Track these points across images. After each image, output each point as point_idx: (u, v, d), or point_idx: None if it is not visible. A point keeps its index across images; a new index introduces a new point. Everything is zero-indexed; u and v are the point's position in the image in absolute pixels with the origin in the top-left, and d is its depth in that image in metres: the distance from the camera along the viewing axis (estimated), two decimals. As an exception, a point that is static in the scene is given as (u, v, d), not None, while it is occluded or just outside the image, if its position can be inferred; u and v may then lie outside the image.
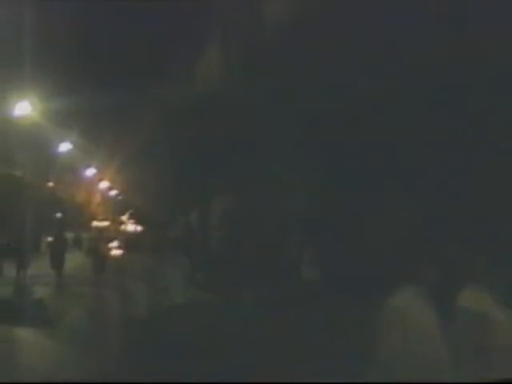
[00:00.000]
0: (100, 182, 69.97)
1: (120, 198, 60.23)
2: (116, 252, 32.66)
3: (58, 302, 18.27)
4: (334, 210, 17.91)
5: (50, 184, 53.46)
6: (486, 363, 5.55)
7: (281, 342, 11.61)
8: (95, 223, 56.20)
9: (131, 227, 50.80)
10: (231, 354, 11.06)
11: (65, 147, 55.35)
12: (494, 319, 5.51)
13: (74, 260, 24.80)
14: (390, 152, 16.14)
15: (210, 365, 10.20)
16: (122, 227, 56.63)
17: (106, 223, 58.34)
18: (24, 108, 30.38)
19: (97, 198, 73.36)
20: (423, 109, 15.38)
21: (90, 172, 67.50)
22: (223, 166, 20.72)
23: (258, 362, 10.50)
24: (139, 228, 43.96)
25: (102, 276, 22.40)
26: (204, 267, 22.36)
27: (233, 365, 10.22)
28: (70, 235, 29.18)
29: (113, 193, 68.22)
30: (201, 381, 8.73)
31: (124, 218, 58.94)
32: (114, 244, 33.84)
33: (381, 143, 16.24)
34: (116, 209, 65.01)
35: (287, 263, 19.10)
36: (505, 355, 5.42)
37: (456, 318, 5.71)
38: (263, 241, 20.05)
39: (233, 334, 12.74)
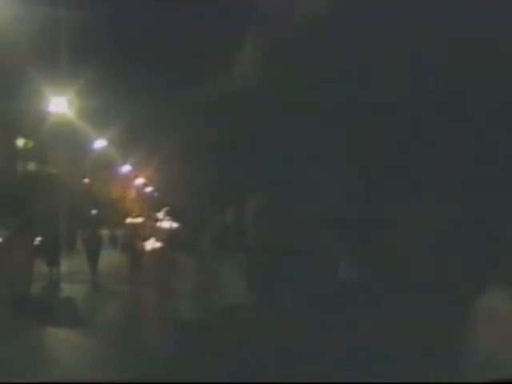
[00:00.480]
0: (135, 178, 70.36)
1: (155, 195, 60.43)
2: (152, 249, 32.64)
3: (92, 300, 18.16)
4: (371, 208, 17.73)
5: (85, 181, 53.79)
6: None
7: (317, 342, 11.42)
8: (130, 220, 56.44)
9: (167, 224, 50.91)
10: (268, 353, 10.91)
11: (100, 144, 55.71)
12: None
13: (109, 257, 24.75)
14: (428, 148, 15.95)
15: (246, 364, 10.06)
16: (158, 224, 56.79)
17: (141, 220, 58.59)
18: (60, 104, 30.46)
19: (132, 195, 73.73)
20: (456, 107, 15.24)
21: (126, 169, 67.92)
22: (259, 164, 20.57)
23: (294, 362, 10.34)
24: (175, 225, 43.94)
25: (138, 274, 22.26)
26: (240, 266, 22.20)
27: (269, 364, 10.08)
28: (105, 232, 29.20)
29: (148, 190, 68.53)
30: (236, 381, 8.58)
31: (159, 215, 59.13)
32: (150, 241, 33.83)
33: (417, 138, 16.07)
34: (151, 206, 65.29)
35: (323, 262, 18.92)
36: None
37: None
38: (299, 239, 19.88)
39: (269, 334, 12.55)
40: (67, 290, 17.96)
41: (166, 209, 48.26)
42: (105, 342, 12.30)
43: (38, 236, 20.47)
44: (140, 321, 15.23)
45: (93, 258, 21.02)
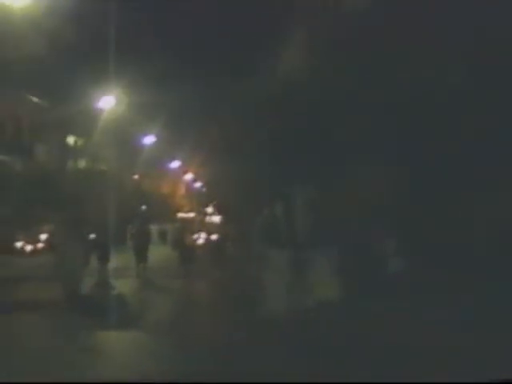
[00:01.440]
0: (185, 174, 70.78)
1: (204, 189, 60.74)
2: (201, 243, 32.77)
3: (142, 295, 18.14)
4: (420, 200, 17.55)
5: (135, 177, 54.29)
6: None
7: (368, 335, 11.28)
8: (180, 215, 56.84)
9: (216, 219, 51.10)
10: (321, 346, 10.81)
11: (149, 140, 56.15)
12: None
13: (159, 252, 24.83)
14: (479, 137, 15.73)
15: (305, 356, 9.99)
16: (207, 219, 57.08)
17: (190, 215, 58.96)
18: (109, 102, 30.77)
19: (181, 190, 74.27)
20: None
21: (175, 164, 68.35)
22: (307, 157, 20.48)
23: (346, 355, 10.24)
24: (224, 220, 44.07)
25: (188, 268, 22.22)
26: (289, 258, 22.12)
27: (325, 357, 9.98)
28: (154, 227, 29.36)
29: (197, 185, 68.92)
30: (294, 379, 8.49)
31: (209, 209, 59.42)
32: (200, 235, 33.97)
33: (470, 130, 15.85)
34: (201, 200, 65.62)
35: (372, 254, 18.77)
36: None
37: None
38: (348, 232, 19.78)
39: (321, 326, 12.40)
40: (115, 285, 17.92)
41: (214, 203, 48.48)
42: (161, 338, 12.14)
43: (89, 232, 20.59)
44: (190, 314, 15.06)
45: (141, 253, 21.04)
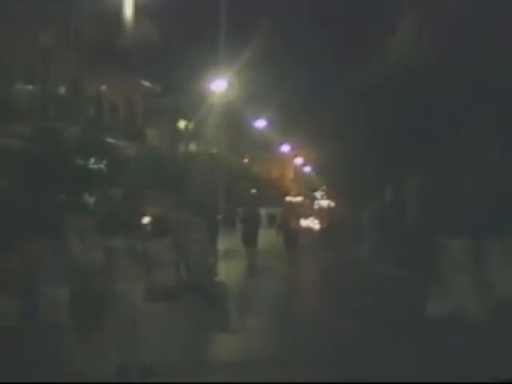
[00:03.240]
0: (295, 158, 70.93)
1: (314, 174, 60.61)
2: (309, 228, 32.63)
3: (249, 280, 18.12)
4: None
5: (245, 160, 54.80)
6: None
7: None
8: (288, 198, 56.99)
9: (325, 203, 50.92)
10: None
11: (260, 124, 56.48)
12: None
13: (267, 236, 24.81)
14: None
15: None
16: (316, 203, 57.03)
17: (298, 199, 59.05)
18: (221, 85, 31.13)
19: (290, 174, 74.49)
20: None
21: (285, 148, 68.59)
22: (418, 144, 20.06)
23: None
24: (332, 204, 43.84)
25: (294, 253, 22.08)
26: (398, 246, 21.78)
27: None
28: (263, 211, 29.41)
29: (307, 169, 68.89)
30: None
31: (318, 194, 59.42)
32: (307, 220, 33.83)
33: None
34: (310, 185, 65.64)
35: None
36: None
37: None
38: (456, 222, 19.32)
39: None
40: (223, 267, 17.81)
41: (323, 187, 48.33)
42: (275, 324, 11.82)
43: (198, 214, 20.76)
44: (297, 305, 14.72)
45: (250, 237, 21.01)
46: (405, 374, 8.08)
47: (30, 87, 22.32)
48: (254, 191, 47.59)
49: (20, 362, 8.44)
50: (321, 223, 32.96)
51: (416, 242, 19.82)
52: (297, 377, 8.18)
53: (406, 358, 8.96)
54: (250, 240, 20.37)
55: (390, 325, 10.94)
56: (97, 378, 7.92)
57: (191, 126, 40.15)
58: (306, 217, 33.73)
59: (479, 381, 7.66)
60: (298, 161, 70.86)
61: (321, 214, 37.39)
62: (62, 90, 24.95)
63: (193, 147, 40.72)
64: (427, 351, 9.24)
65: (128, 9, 29.94)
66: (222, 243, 19.82)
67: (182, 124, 39.15)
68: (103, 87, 28.93)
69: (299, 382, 8.06)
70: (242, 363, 9.19)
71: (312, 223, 34.51)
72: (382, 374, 8.13)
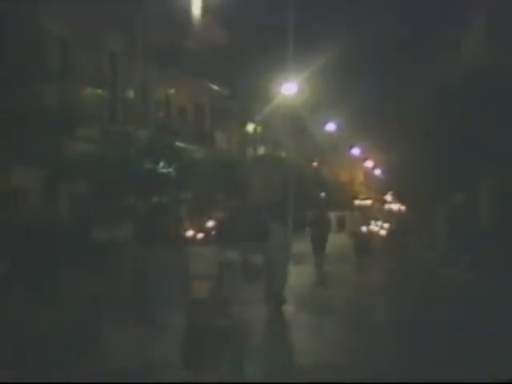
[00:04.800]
0: (364, 161, 70.27)
1: (384, 177, 59.83)
2: (379, 232, 32.05)
3: (319, 286, 17.71)
4: None
5: (314, 164, 54.44)
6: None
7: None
8: (357, 202, 56.37)
9: (395, 207, 50.14)
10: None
11: (330, 127, 56.09)
12: None
13: (336, 241, 24.41)
14: None
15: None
16: (386, 206, 56.20)
17: (368, 202, 58.34)
18: (290, 88, 30.79)
19: (360, 177, 73.82)
20: None
21: (355, 151, 68.03)
22: (490, 145, 19.55)
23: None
24: (403, 208, 43.15)
25: (364, 259, 21.61)
26: (471, 249, 21.22)
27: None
28: (332, 214, 29.02)
29: (377, 172, 68.11)
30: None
31: (388, 197, 58.50)
32: (377, 224, 33.25)
33: None
34: (379, 188, 64.79)
35: None
36: None
37: None
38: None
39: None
40: (294, 272, 17.38)
41: (393, 191, 47.53)
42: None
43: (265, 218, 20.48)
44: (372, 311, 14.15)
45: (319, 241, 20.57)
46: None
47: (99, 91, 22.46)
48: (323, 195, 47.24)
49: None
50: (390, 227, 32.37)
51: (490, 245, 19.29)
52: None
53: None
54: (318, 245, 19.90)
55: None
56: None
57: (260, 129, 40.03)
58: (376, 220, 33.14)
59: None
60: (368, 164, 70.24)
61: (390, 217, 36.77)
62: (131, 93, 25.09)
63: (261, 150, 40.60)
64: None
65: (196, 12, 30.00)
66: (292, 248, 19.49)
67: (250, 127, 39.06)
68: (171, 91, 29.03)
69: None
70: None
71: (382, 227, 33.92)
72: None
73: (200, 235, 20.22)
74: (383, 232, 32.77)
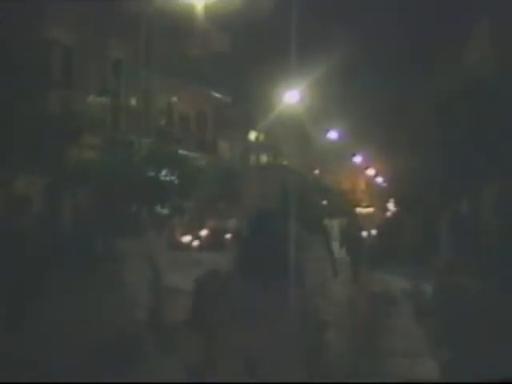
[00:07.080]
0: (367, 169, 70.20)
1: (385, 185, 59.81)
2: (377, 240, 31.94)
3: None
4: None
5: (316, 172, 54.40)
6: None
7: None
8: (358, 210, 56.22)
9: (397, 214, 50.05)
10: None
11: (332, 136, 56.10)
12: None
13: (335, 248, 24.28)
14: None
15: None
16: (388, 214, 56.14)
17: (369, 210, 58.25)
18: (293, 97, 30.97)
19: (362, 185, 73.74)
20: None
21: (357, 159, 67.95)
22: (495, 153, 19.57)
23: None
24: (405, 215, 43.05)
25: (359, 266, 21.47)
26: (476, 257, 21.21)
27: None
28: (334, 222, 28.95)
29: (379, 180, 68.09)
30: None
31: (389, 204, 58.46)
32: (376, 231, 33.16)
33: None
34: (381, 196, 64.74)
35: None
36: None
37: None
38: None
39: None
40: None
41: (394, 199, 47.44)
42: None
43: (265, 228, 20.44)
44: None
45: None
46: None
47: (102, 99, 22.52)
48: (324, 203, 47.22)
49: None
50: (392, 234, 32.29)
51: (496, 254, 19.28)
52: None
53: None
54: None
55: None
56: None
57: (262, 137, 40.04)
58: (375, 228, 33.07)
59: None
60: (370, 172, 70.24)
61: (392, 224, 36.68)
62: (134, 101, 25.14)
63: (264, 159, 40.61)
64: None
65: (199, 20, 30.07)
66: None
67: (252, 135, 39.09)
68: (174, 99, 29.08)
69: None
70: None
71: (382, 234, 33.84)
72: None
73: (196, 242, 20.32)
74: (383, 239, 32.71)
